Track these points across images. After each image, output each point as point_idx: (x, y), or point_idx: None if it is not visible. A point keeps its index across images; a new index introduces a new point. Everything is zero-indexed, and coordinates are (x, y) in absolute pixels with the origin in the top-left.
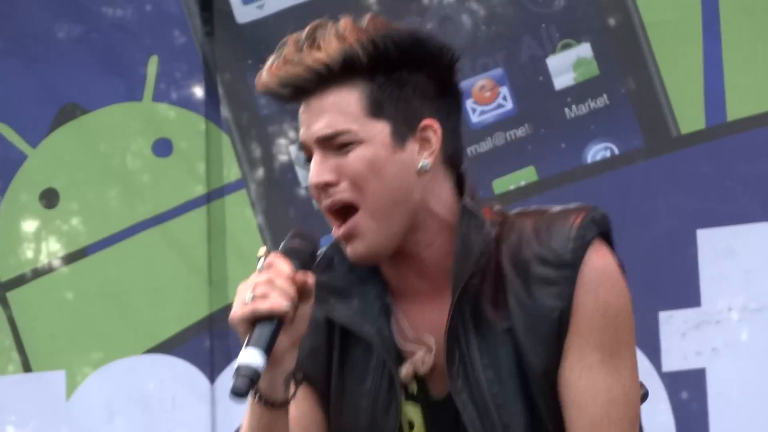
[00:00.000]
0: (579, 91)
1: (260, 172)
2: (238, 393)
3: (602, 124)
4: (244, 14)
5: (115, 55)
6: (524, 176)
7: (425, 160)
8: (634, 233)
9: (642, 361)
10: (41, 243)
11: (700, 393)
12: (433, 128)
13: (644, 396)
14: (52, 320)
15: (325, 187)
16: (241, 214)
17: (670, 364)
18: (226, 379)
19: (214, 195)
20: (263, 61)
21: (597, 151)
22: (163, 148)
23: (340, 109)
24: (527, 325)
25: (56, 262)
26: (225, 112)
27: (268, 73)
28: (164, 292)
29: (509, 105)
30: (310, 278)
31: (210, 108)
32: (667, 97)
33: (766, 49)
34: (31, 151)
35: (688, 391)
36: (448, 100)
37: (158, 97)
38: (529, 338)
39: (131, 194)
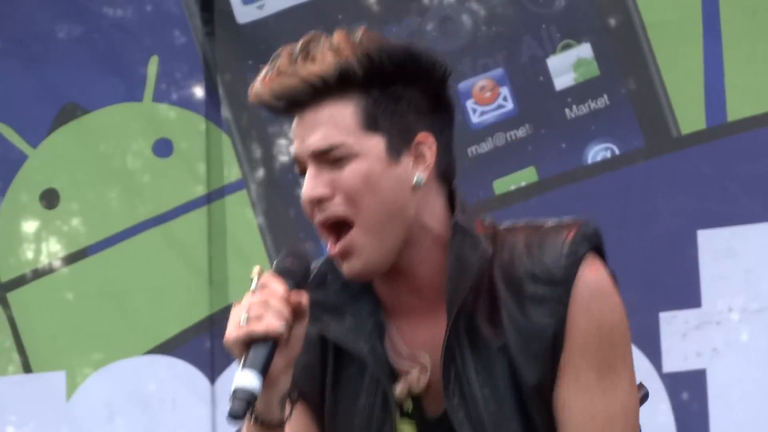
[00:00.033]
0: (579, 92)
1: (261, 173)
2: (235, 416)
3: (603, 124)
4: (244, 14)
5: (116, 56)
6: (525, 177)
7: (420, 175)
8: (634, 234)
9: (642, 361)
10: (41, 243)
11: (701, 394)
12: (428, 143)
13: (644, 397)
14: (52, 321)
15: (319, 201)
16: (242, 214)
17: (670, 364)
18: (227, 379)
19: (214, 195)
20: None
21: (597, 152)
22: (163, 148)
23: (335, 122)
24: (521, 344)
25: (56, 263)
26: (225, 112)
27: (261, 85)
28: (165, 293)
29: (510, 105)
30: (305, 298)
31: (210, 108)
32: (668, 97)
33: (766, 49)
34: (32, 151)
35: (689, 392)
36: (441, 115)
37: (158, 97)
38: (524, 356)
39: (132, 195)
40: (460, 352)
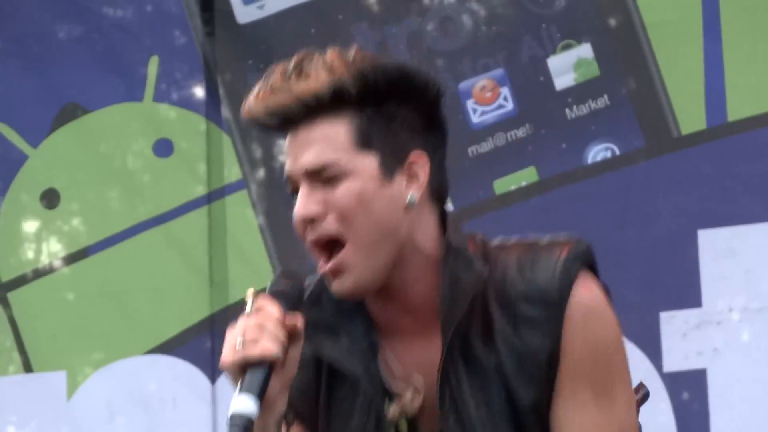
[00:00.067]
0: (580, 92)
1: (261, 173)
2: None
3: (603, 124)
4: (244, 14)
5: (116, 56)
6: (525, 176)
7: (413, 194)
8: (634, 233)
9: (643, 361)
10: (42, 243)
11: (701, 393)
12: (421, 162)
13: (645, 397)
14: (53, 321)
15: (311, 221)
16: (242, 214)
17: (671, 364)
18: (227, 379)
19: (214, 195)
20: (264, 62)
21: (598, 152)
22: (163, 148)
23: (329, 140)
24: (516, 365)
25: (57, 263)
26: (226, 112)
27: (254, 101)
28: (165, 293)
29: (510, 105)
30: (300, 321)
31: (211, 108)
32: (668, 97)
33: (766, 49)
34: (32, 151)
35: (689, 392)
36: (435, 134)
37: (159, 97)
38: (519, 377)
39: (132, 194)
40: (455, 372)
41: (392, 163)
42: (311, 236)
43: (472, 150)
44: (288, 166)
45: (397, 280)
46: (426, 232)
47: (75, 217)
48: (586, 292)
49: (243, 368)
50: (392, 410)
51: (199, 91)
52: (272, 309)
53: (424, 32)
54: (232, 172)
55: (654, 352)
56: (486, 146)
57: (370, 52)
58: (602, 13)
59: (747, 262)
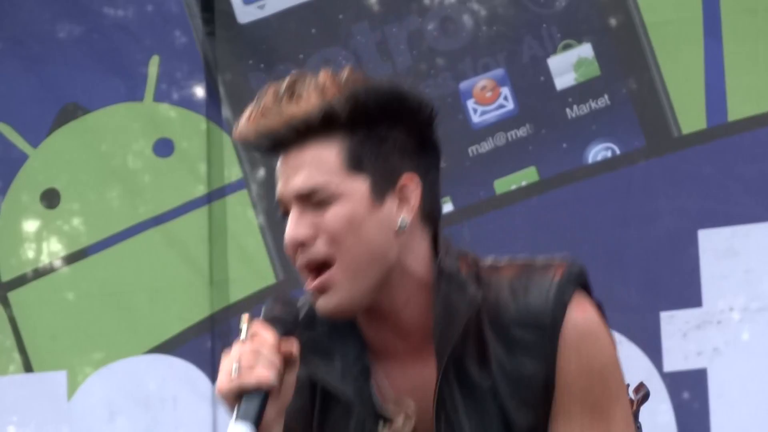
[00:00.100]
0: (580, 92)
1: (261, 173)
2: None
3: (603, 124)
4: (245, 14)
5: (117, 55)
6: (525, 176)
7: (404, 217)
8: (635, 233)
9: (643, 361)
10: (42, 243)
11: (702, 393)
12: (412, 185)
13: (645, 396)
14: (53, 320)
15: (302, 244)
16: (243, 214)
17: (671, 364)
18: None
19: (215, 195)
20: (265, 62)
21: (598, 152)
22: (164, 148)
23: (319, 163)
24: (511, 389)
25: (57, 263)
26: (226, 112)
27: (246, 124)
28: (165, 293)
29: (510, 105)
30: (295, 347)
31: (211, 108)
32: (668, 97)
33: (767, 49)
34: (32, 151)
35: (690, 392)
36: (427, 156)
37: (159, 97)
38: (515, 401)
39: (132, 194)
40: (450, 396)
41: (383, 186)
42: (301, 260)
43: (472, 150)
44: (279, 189)
45: (388, 303)
46: (417, 255)
47: (75, 216)
48: (579, 315)
49: (239, 395)
50: None
51: (200, 91)
52: (267, 335)
53: (424, 32)
54: (233, 172)
55: (654, 352)
56: (486, 146)
57: (364, 73)
58: (603, 13)
59: (747, 262)
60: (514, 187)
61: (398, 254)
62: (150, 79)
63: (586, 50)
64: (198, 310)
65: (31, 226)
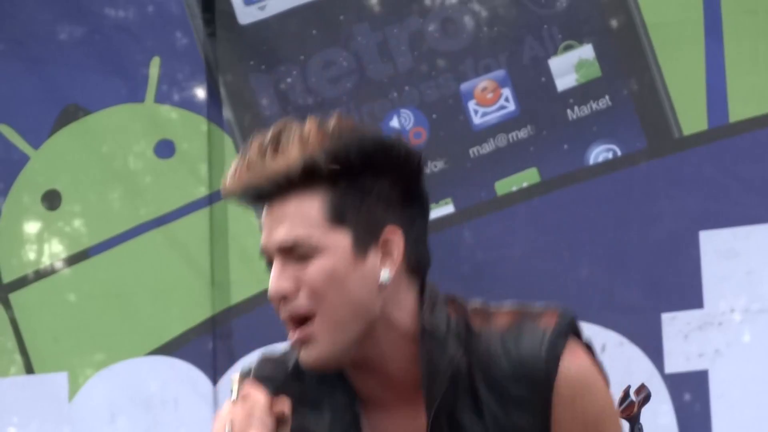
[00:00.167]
0: (581, 93)
1: None
2: None
3: (604, 125)
4: (246, 15)
5: (117, 57)
6: (526, 177)
7: (387, 272)
8: (636, 235)
9: (644, 362)
10: (43, 245)
11: (703, 394)
12: (395, 239)
13: (646, 398)
14: (54, 322)
15: (284, 297)
16: (244, 215)
17: (672, 365)
18: (229, 380)
19: (216, 196)
20: (265, 63)
21: (599, 153)
22: (165, 149)
23: (301, 216)
24: None
25: (58, 264)
26: (227, 113)
27: (231, 180)
28: (167, 294)
29: (511, 106)
30: (287, 406)
31: (212, 109)
32: (670, 98)
33: None
34: (33, 152)
35: (691, 393)
36: (412, 207)
37: (160, 98)
38: None
39: (133, 196)
40: None
41: (366, 240)
42: (284, 313)
43: (473, 151)
44: (262, 240)
45: (374, 355)
46: (403, 308)
47: (76, 218)
48: (573, 367)
49: None
50: None
51: (201, 92)
52: (259, 396)
53: (425, 33)
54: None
55: (656, 354)
56: (487, 147)
57: (352, 120)
58: (604, 13)
59: (748, 263)
60: (515, 188)
61: (382, 307)
62: (151, 81)
63: (587, 51)
64: (199, 312)
65: (32, 227)
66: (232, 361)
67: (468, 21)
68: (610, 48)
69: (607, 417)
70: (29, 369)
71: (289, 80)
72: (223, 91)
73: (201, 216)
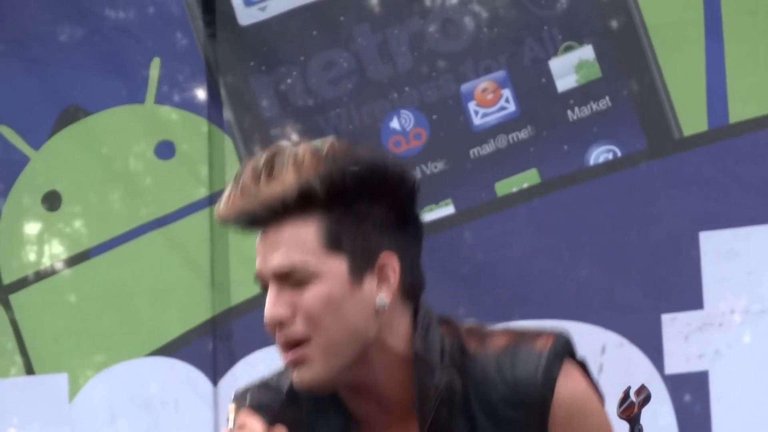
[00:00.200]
0: (581, 93)
1: None
2: None
3: (605, 126)
4: (246, 16)
5: (118, 58)
6: (527, 178)
7: (383, 297)
8: (636, 235)
9: (644, 363)
10: (44, 245)
11: (703, 395)
12: (392, 264)
13: (646, 399)
14: (54, 323)
15: (280, 323)
16: None
17: (672, 366)
18: (229, 381)
19: (216, 197)
20: (266, 64)
21: (599, 153)
22: (165, 150)
23: (297, 242)
24: None
25: (59, 265)
26: (227, 114)
27: (225, 206)
28: (167, 295)
29: (512, 107)
30: None
31: (212, 110)
32: (670, 99)
33: None
34: (34, 153)
35: (691, 394)
36: (408, 232)
37: (161, 99)
38: None
39: (134, 196)
40: None
41: (362, 266)
42: (280, 339)
43: (473, 152)
44: (258, 265)
45: (369, 378)
46: (398, 332)
47: (77, 219)
48: (568, 390)
49: None
50: None
51: (201, 93)
52: (255, 425)
53: (425, 34)
54: (234, 174)
55: (656, 355)
56: (488, 148)
57: (346, 144)
58: (604, 14)
59: (749, 264)
60: (515, 189)
61: (378, 332)
62: (151, 81)
63: (587, 52)
64: (199, 312)
65: (32, 228)
66: (232, 362)
67: (468, 22)
68: (610, 49)
69: None
70: (29, 370)
71: (289, 81)
72: (223, 92)
73: (201, 217)
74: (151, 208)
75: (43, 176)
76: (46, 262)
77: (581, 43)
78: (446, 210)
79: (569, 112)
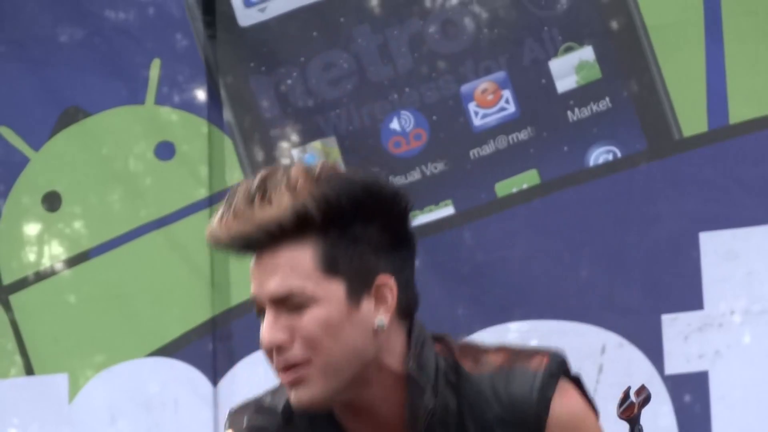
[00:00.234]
0: (581, 94)
1: None
2: None
3: (605, 127)
4: (246, 17)
5: (118, 58)
6: (527, 179)
7: (381, 318)
8: (636, 236)
9: (644, 364)
10: (44, 246)
11: (703, 396)
12: (389, 285)
13: (647, 399)
14: (54, 323)
15: (278, 348)
16: None
17: (672, 366)
18: (229, 382)
19: (216, 198)
20: (266, 65)
21: (599, 154)
22: (165, 151)
23: (293, 266)
24: None
25: (59, 266)
26: (227, 115)
27: (218, 227)
28: (167, 295)
29: (512, 108)
30: None
31: (212, 111)
32: (670, 99)
33: None
34: (34, 154)
35: (691, 394)
36: (402, 251)
37: (161, 100)
38: None
39: (134, 197)
40: None
41: (359, 288)
42: (278, 363)
43: (473, 153)
44: (253, 290)
45: (365, 397)
46: (394, 352)
47: (76, 219)
48: (564, 409)
49: None
50: None
51: (201, 94)
52: None
53: (425, 35)
54: (234, 175)
55: (656, 355)
56: (488, 149)
57: (338, 167)
58: (604, 15)
59: (748, 264)
60: (515, 189)
61: (375, 353)
62: (151, 82)
63: (587, 53)
64: (199, 313)
65: (32, 229)
66: (232, 362)
67: (468, 23)
68: (610, 50)
69: None
70: (29, 370)
71: (289, 82)
72: (223, 92)
73: (201, 217)
74: (151, 208)
75: (43, 177)
76: (46, 263)
77: (581, 44)
78: (446, 210)
79: (569, 112)
